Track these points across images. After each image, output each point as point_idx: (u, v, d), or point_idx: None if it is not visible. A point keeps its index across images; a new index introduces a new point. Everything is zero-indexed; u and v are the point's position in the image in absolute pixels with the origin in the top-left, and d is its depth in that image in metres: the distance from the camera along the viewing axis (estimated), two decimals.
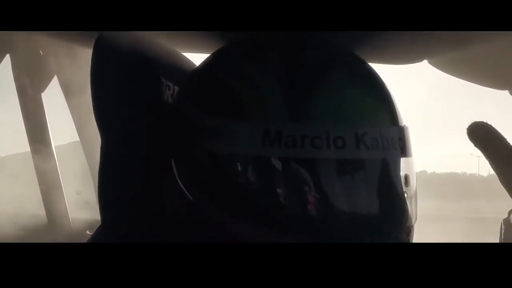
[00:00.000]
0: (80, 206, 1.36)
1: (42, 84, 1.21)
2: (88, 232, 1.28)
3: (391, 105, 0.48)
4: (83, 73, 1.06)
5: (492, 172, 0.46)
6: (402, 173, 0.46)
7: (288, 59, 0.47)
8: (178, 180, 0.48)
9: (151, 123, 0.50)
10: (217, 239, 0.45)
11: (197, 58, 0.57)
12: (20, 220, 1.30)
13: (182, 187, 0.47)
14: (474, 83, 0.83)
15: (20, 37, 1.08)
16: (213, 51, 0.52)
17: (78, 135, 1.24)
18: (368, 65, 0.50)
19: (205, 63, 0.51)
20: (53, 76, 1.18)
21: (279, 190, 0.44)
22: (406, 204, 0.47)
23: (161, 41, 0.55)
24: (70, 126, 1.24)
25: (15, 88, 1.22)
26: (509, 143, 0.44)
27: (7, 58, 1.14)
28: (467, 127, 0.44)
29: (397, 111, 0.48)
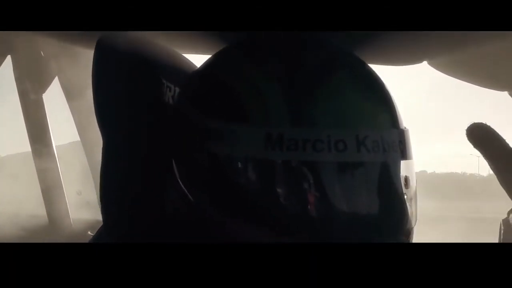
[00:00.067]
0: (81, 206, 1.36)
1: (43, 85, 1.21)
2: (89, 232, 1.28)
3: (392, 107, 0.48)
4: (84, 75, 1.06)
5: (492, 172, 0.46)
6: (402, 175, 0.46)
7: (289, 60, 0.47)
8: (179, 180, 0.48)
9: (152, 124, 0.50)
10: (217, 239, 0.46)
11: (198, 59, 0.58)
12: (20, 221, 1.30)
13: (183, 187, 0.48)
14: (474, 84, 0.84)
15: (21, 39, 1.09)
16: (214, 52, 0.52)
17: (79, 135, 1.24)
18: (369, 66, 0.50)
19: (206, 64, 0.51)
20: (54, 77, 1.18)
21: (279, 191, 0.44)
22: (406, 206, 0.47)
23: (162, 42, 0.55)
24: (70, 126, 1.24)
25: (15, 89, 1.22)
26: (508, 144, 0.44)
27: (8, 59, 1.15)
28: (466, 128, 0.45)
29: (397, 113, 0.48)
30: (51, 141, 1.29)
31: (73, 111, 1.21)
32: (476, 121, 0.45)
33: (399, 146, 0.45)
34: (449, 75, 0.78)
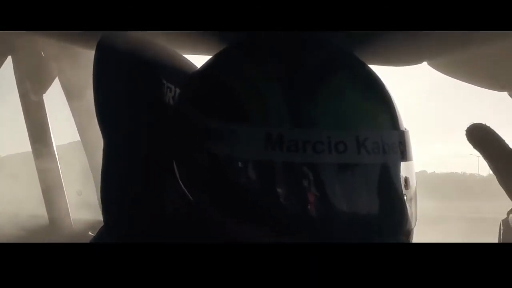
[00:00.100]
0: (81, 206, 1.36)
1: (44, 86, 1.21)
2: (90, 233, 1.28)
3: (392, 108, 0.48)
4: (84, 75, 1.07)
5: (491, 172, 0.46)
6: (402, 176, 0.46)
7: (289, 60, 0.47)
8: (179, 181, 0.48)
9: (152, 125, 0.50)
10: (217, 239, 0.46)
11: (198, 59, 0.58)
12: (21, 221, 1.30)
13: (183, 188, 0.48)
14: (474, 84, 0.84)
15: (22, 39, 1.09)
16: (214, 53, 0.52)
17: (80, 136, 1.24)
18: (369, 67, 0.50)
19: (207, 65, 0.51)
20: (55, 78, 1.19)
21: (279, 192, 0.44)
22: (406, 207, 0.47)
23: (162, 43, 0.55)
24: (71, 126, 1.24)
25: (16, 89, 1.22)
26: (507, 145, 0.44)
27: (9, 59, 1.15)
28: (465, 129, 0.45)
29: (397, 114, 0.48)
30: (51, 141, 1.29)
31: (74, 111, 1.21)
32: (476, 121, 0.45)
33: (399, 147, 0.45)
34: (449, 75, 0.78)
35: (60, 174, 1.32)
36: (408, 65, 0.68)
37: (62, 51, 1.09)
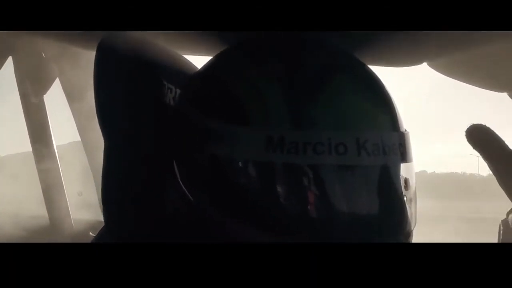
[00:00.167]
0: (82, 207, 1.36)
1: (44, 86, 1.21)
2: (91, 233, 1.28)
3: (392, 109, 0.48)
4: (85, 76, 1.07)
5: (491, 172, 0.46)
6: (401, 177, 0.47)
7: (289, 62, 0.47)
8: (180, 181, 0.48)
9: (153, 126, 0.50)
10: (217, 239, 0.46)
11: (198, 60, 0.58)
12: (21, 221, 1.30)
13: (184, 188, 0.48)
14: (474, 85, 0.84)
15: (22, 40, 1.09)
16: (214, 53, 0.52)
17: (80, 136, 1.24)
18: (369, 68, 0.50)
19: (207, 66, 0.51)
20: (55, 78, 1.19)
21: (279, 193, 0.44)
22: (406, 209, 0.47)
23: (163, 44, 0.55)
24: (71, 126, 1.24)
25: (16, 89, 1.22)
26: (507, 146, 0.44)
27: (9, 60, 1.15)
28: (465, 129, 0.45)
29: (398, 115, 0.48)
30: (52, 141, 1.29)
31: (74, 112, 1.21)
32: (476, 122, 0.45)
33: (399, 149, 0.45)
34: (449, 76, 0.78)
35: (60, 174, 1.32)
36: (408, 66, 0.68)
37: (62, 51, 1.09)
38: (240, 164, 0.44)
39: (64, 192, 1.33)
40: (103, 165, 0.47)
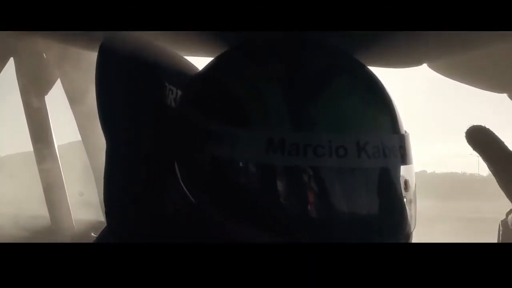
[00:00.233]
0: (83, 206, 1.36)
1: (45, 87, 1.21)
2: (93, 234, 1.28)
3: (392, 111, 0.48)
4: (86, 77, 1.07)
5: (491, 173, 0.46)
6: (401, 178, 0.47)
7: (289, 62, 0.47)
8: (181, 182, 0.48)
9: (155, 127, 0.50)
10: (217, 239, 0.46)
11: (199, 61, 0.58)
12: (22, 221, 1.31)
13: (185, 189, 0.48)
14: (473, 86, 0.84)
15: (23, 41, 1.09)
16: (216, 55, 0.52)
17: (81, 137, 1.24)
18: (369, 69, 0.50)
19: (208, 67, 0.52)
20: (57, 79, 1.19)
21: (280, 193, 0.44)
22: (406, 211, 0.47)
23: (164, 45, 0.55)
24: (72, 126, 1.24)
25: (17, 89, 1.22)
26: (507, 147, 0.44)
27: (11, 61, 1.15)
28: (465, 131, 0.45)
29: (398, 117, 0.48)
30: (53, 141, 1.29)
31: (75, 112, 1.21)
32: (476, 123, 0.45)
33: (399, 151, 0.45)
34: (448, 77, 0.78)
35: (61, 174, 1.33)
36: (408, 67, 0.68)
37: (63, 52, 1.09)
38: (240, 165, 0.44)
39: (65, 192, 1.33)
40: (105, 166, 0.47)
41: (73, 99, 1.19)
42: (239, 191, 0.45)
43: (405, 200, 0.47)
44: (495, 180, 0.45)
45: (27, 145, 1.30)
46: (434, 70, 0.75)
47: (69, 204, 1.34)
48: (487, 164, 0.45)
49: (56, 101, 1.28)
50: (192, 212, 0.48)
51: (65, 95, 1.20)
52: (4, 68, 1.14)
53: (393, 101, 0.48)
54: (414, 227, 0.49)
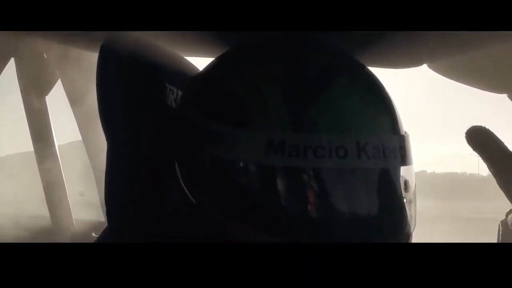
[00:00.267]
0: (83, 207, 1.36)
1: (46, 87, 1.22)
2: (93, 234, 1.28)
3: (392, 112, 0.48)
4: (86, 77, 1.07)
5: (491, 173, 0.46)
6: (401, 179, 0.47)
7: (289, 62, 0.47)
8: (181, 182, 0.48)
9: (155, 127, 0.50)
10: (218, 239, 0.46)
11: (200, 62, 0.58)
12: (23, 221, 1.31)
13: (185, 189, 0.48)
14: (473, 87, 0.84)
15: (24, 41, 1.09)
16: (216, 55, 0.53)
17: (82, 137, 1.24)
18: (369, 70, 0.50)
19: (209, 67, 0.52)
20: (57, 80, 1.19)
21: (280, 194, 0.44)
22: (406, 211, 0.47)
23: (164, 45, 0.55)
24: (73, 126, 1.25)
25: (17, 89, 1.22)
26: (507, 147, 0.45)
27: (12, 61, 1.15)
28: (465, 131, 0.45)
29: (398, 118, 0.48)
30: (53, 141, 1.29)
31: (76, 113, 1.21)
32: (475, 123, 0.45)
33: (399, 152, 0.45)
34: (448, 77, 0.78)
35: (62, 174, 1.33)
36: (408, 67, 0.68)
37: (64, 53, 1.09)
38: (240, 165, 0.44)
39: (66, 192, 1.33)
40: (106, 166, 0.47)
41: (74, 99, 1.19)
42: (239, 191, 0.45)
43: (405, 200, 0.47)
44: (495, 180, 0.45)
45: (27, 145, 1.31)
46: (434, 71, 0.75)
47: (70, 204, 1.34)
48: (487, 165, 0.45)
49: (56, 101, 1.28)
50: (192, 212, 0.48)
51: (65, 95, 1.20)
52: (4, 69, 1.14)
53: (393, 102, 0.48)
54: (414, 227, 0.49)
